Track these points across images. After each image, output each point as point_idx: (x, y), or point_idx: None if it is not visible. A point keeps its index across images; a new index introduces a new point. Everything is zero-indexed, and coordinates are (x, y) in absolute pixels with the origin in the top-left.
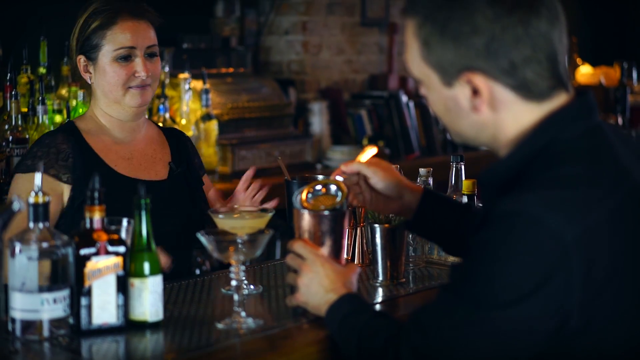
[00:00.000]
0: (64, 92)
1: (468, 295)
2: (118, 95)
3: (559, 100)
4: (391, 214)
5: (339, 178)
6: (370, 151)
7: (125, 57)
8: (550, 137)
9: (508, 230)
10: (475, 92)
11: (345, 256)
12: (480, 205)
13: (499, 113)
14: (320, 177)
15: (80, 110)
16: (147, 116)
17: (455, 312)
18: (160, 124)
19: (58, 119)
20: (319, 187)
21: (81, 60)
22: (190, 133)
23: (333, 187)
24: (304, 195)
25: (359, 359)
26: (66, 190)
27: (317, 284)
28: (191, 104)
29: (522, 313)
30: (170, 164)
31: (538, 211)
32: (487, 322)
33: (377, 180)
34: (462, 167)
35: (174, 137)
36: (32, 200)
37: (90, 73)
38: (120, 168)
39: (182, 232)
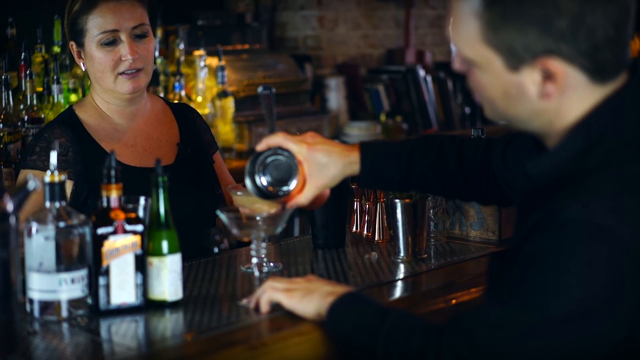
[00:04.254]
0: (79, 70)
1: (526, 307)
2: (109, 82)
3: (621, 79)
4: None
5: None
6: None
7: (110, 42)
8: (606, 126)
9: (576, 241)
10: (548, 77)
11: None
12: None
13: (564, 98)
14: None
15: None
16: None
17: (511, 323)
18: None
19: (73, 97)
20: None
21: (73, 46)
22: (206, 110)
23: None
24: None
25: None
26: (68, 185)
27: (314, 290)
28: (207, 82)
29: (587, 327)
30: (178, 145)
31: (609, 222)
32: (548, 336)
33: (304, 155)
34: None
35: (182, 114)
36: (48, 179)
37: (83, 59)
38: (123, 157)
39: (192, 215)
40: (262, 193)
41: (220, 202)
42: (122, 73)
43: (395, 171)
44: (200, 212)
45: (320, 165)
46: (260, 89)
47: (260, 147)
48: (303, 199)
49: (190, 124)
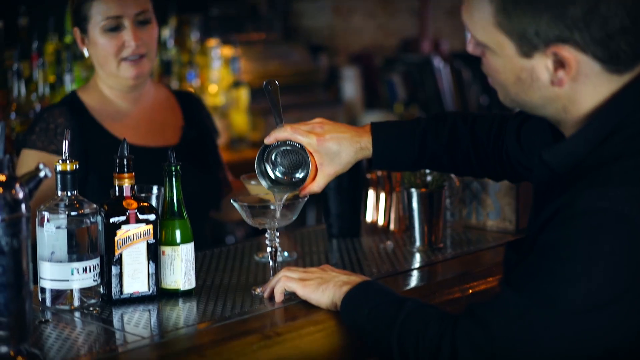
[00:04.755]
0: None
1: (543, 296)
2: (112, 67)
3: (639, 69)
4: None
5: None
6: None
7: (114, 28)
8: (625, 115)
9: (594, 229)
10: (560, 64)
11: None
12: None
13: (578, 85)
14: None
15: None
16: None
17: (527, 312)
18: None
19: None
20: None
21: (77, 32)
22: (220, 100)
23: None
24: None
25: (400, 351)
26: None
27: (329, 280)
28: (221, 71)
29: (606, 317)
30: (183, 128)
31: (628, 210)
32: (565, 326)
33: (314, 147)
34: None
35: (186, 100)
36: (60, 167)
37: (86, 45)
38: (127, 137)
39: (196, 198)
40: (274, 183)
41: (225, 186)
42: (125, 59)
43: (408, 153)
44: (201, 194)
45: (331, 154)
46: (264, 83)
47: (269, 140)
48: (316, 187)
49: (194, 111)
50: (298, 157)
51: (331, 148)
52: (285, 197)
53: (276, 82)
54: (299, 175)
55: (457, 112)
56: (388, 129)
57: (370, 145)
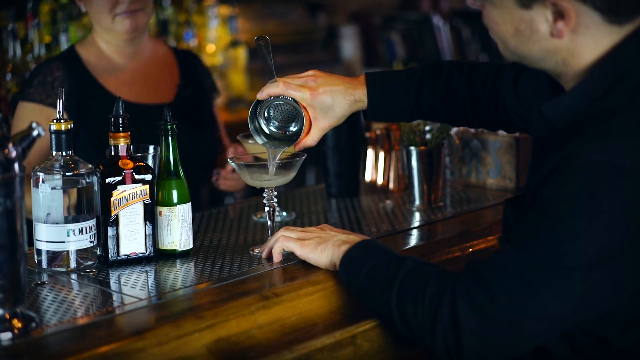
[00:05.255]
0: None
1: (543, 253)
2: (107, 22)
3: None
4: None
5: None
6: None
7: None
8: (626, 67)
9: (595, 184)
10: (559, 15)
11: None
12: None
13: (578, 37)
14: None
15: None
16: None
17: (528, 270)
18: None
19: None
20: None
21: None
22: (218, 60)
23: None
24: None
25: (399, 310)
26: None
27: (328, 239)
28: (218, 31)
29: (607, 273)
30: (178, 86)
31: (629, 164)
32: (567, 282)
33: (308, 101)
34: None
35: (185, 58)
36: (54, 127)
37: (82, 1)
38: (121, 93)
39: (189, 156)
40: (268, 138)
41: (220, 145)
42: (119, 13)
43: (404, 104)
44: (194, 153)
45: (325, 108)
46: (255, 39)
47: (261, 95)
48: (310, 141)
49: (192, 69)
50: (291, 110)
51: (325, 102)
52: (280, 152)
53: (267, 37)
54: (293, 128)
55: (452, 62)
56: (383, 80)
57: (365, 97)
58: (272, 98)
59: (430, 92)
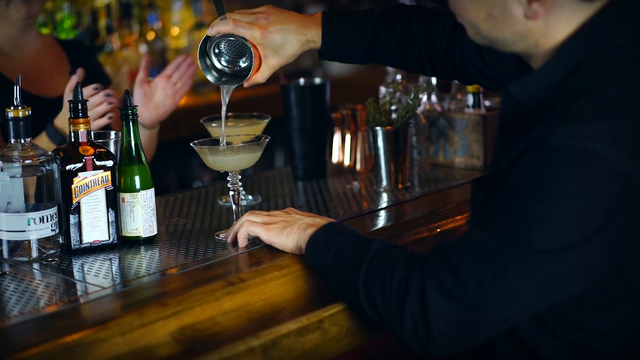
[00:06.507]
0: (49, 5)
1: (512, 237)
2: (0, 7)
3: None
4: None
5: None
6: None
7: None
8: (594, 46)
9: (564, 168)
10: None
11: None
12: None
13: (551, 17)
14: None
15: (66, 24)
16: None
17: (497, 254)
18: (153, 35)
19: (44, 32)
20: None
21: None
22: (182, 43)
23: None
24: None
25: (366, 294)
26: None
27: (293, 223)
28: (182, 13)
29: (576, 258)
30: (71, 75)
31: (599, 147)
32: (536, 267)
33: (258, 40)
34: None
35: (73, 49)
36: (11, 114)
37: None
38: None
39: None
40: (219, 74)
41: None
42: None
43: (358, 47)
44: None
45: (275, 47)
46: None
47: (211, 32)
48: (259, 78)
49: (81, 59)
50: (240, 47)
51: (275, 40)
52: (232, 89)
53: None
54: (243, 64)
55: (413, 7)
56: (338, 21)
57: (318, 38)
58: (220, 35)
59: (386, 36)
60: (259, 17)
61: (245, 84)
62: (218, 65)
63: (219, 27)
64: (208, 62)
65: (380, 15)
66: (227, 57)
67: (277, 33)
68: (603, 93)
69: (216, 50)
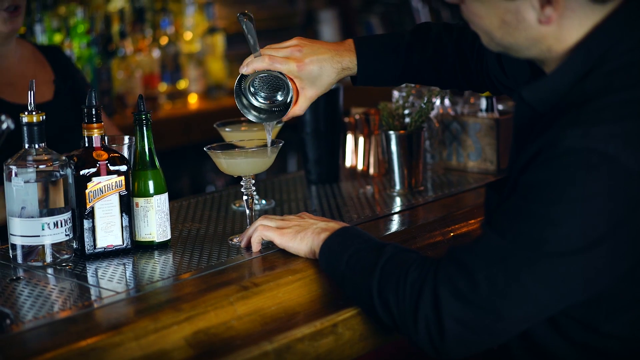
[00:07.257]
0: (62, 10)
1: (525, 240)
2: None
3: None
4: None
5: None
6: None
7: None
8: (607, 49)
9: (577, 170)
10: (546, 1)
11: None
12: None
13: (564, 21)
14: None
15: (80, 29)
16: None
17: (511, 256)
18: (166, 40)
19: (57, 38)
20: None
21: None
22: (195, 48)
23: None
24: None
25: (380, 297)
26: None
27: (307, 227)
28: (195, 18)
29: (589, 260)
30: (55, 82)
31: (611, 149)
32: (549, 269)
33: (295, 73)
34: None
35: (52, 54)
36: (26, 119)
37: None
38: (6, 95)
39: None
40: (256, 109)
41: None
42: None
43: (393, 69)
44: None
45: (312, 78)
46: (238, 15)
47: (247, 71)
48: (298, 110)
49: (62, 63)
50: (275, 81)
51: (312, 72)
52: (274, 124)
53: (249, 12)
54: (280, 97)
55: (440, 24)
56: (371, 45)
57: (353, 65)
58: (256, 72)
59: (420, 55)
60: (293, 50)
61: (284, 119)
62: (256, 103)
63: (254, 65)
64: (245, 101)
65: (411, 35)
66: (264, 94)
67: (313, 64)
68: (614, 95)
69: (252, 89)
